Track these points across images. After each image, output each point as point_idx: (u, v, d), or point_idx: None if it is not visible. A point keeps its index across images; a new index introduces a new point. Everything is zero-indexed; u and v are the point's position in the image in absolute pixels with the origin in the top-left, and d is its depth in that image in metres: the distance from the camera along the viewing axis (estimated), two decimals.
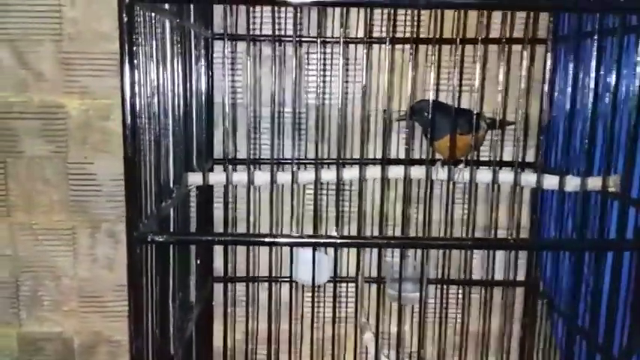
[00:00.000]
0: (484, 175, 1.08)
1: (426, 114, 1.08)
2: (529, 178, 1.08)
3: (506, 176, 1.07)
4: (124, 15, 0.71)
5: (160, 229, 0.84)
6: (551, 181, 1.05)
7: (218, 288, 1.38)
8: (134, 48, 0.73)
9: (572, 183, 1.01)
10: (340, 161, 1.30)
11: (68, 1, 1.31)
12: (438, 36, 1.24)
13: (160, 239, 0.75)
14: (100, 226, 1.40)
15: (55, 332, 1.44)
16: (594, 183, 0.99)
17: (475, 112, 1.01)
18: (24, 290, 1.42)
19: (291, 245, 0.78)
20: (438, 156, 1.17)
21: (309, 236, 0.75)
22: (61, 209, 1.39)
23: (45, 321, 1.44)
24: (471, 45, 1.27)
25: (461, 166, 1.11)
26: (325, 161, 1.31)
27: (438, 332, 1.23)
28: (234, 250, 1.30)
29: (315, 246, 0.75)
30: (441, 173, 1.09)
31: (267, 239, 0.75)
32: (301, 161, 1.32)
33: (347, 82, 1.35)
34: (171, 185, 0.96)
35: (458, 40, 1.07)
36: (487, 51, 1.31)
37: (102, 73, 1.33)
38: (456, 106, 1.11)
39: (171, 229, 0.92)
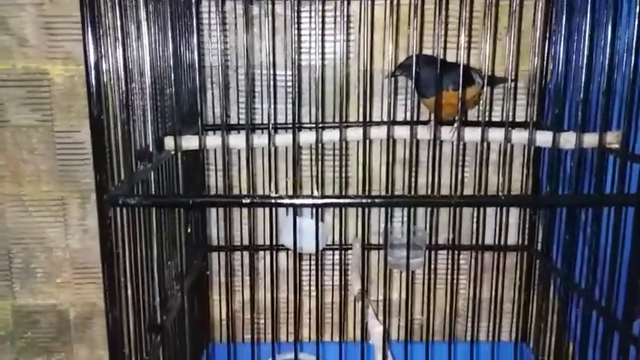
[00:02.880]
0: (476, 134, 1.02)
1: (417, 69, 1.02)
2: (523, 136, 1.02)
3: (497, 135, 1.01)
4: None
5: (137, 193, 0.80)
6: (545, 137, 0.99)
7: (215, 258, 1.36)
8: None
9: (567, 139, 0.95)
10: (328, 124, 1.25)
11: None
12: None
13: (132, 202, 0.71)
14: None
15: (50, 304, 1.42)
16: (592, 139, 0.93)
17: (469, 67, 0.96)
18: (16, 262, 1.40)
19: (270, 206, 0.73)
20: (432, 115, 1.11)
21: (289, 197, 0.71)
22: (49, 179, 1.35)
23: (39, 293, 1.42)
24: None
25: (455, 124, 1.05)
26: (309, 124, 1.27)
27: (427, 298, 1.19)
28: (228, 217, 1.27)
29: (295, 207, 0.71)
30: (442, 133, 1.04)
31: (245, 200, 0.71)
32: (284, 126, 1.27)
33: (336, 41, 1.29)
34: (151, 149, 0.92)
35: None
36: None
37: None
38: (449, 60, 1.05)
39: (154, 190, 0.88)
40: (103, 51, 0.75)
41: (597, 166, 0.83)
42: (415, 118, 1.05)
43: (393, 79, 1.18)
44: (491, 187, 1.11)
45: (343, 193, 0.86)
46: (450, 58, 1.25)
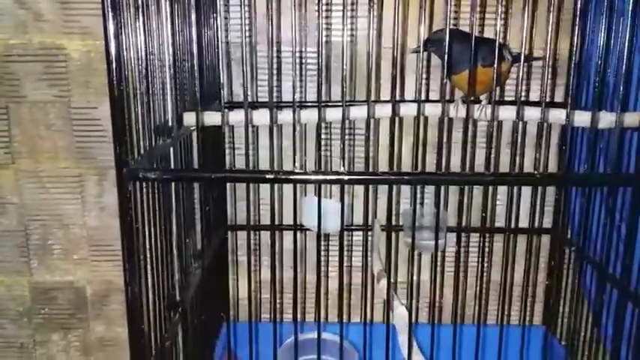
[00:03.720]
0: (508, 113, 0.99)
1: (444, 44, 0.98)
2: (558, 115, 0.99)
3: (532, 113, 0.98)
4: None
5: (157, 168, 0.78)
6: (582, 118, 0.96)
7: (236, 237, 1.35)
8: None
9: (607, 119, 0.92)
10: (356, 102, 1.23)
11: None
12: None
13: (152, 176, 0.69)
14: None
15: (67, 281, 1.42)
16: (631, 118, 0.90)
17: (498, 43, 0.92)
18: (33, 239, 1.39)
19: (295, 182, 0.71)
20: (458, 93, 1.08)
21: (314, 172, 0.69)
22: (66, 156, 1.34)
23: (56, 270, 1.41)
24: None
25: (484, 102, 1.02)
26: (331, 103, 1.24)
27: (455, 281, 1.17)
28: (250, 195, 1.25)
29: (320, 183, 0.69)
30: (460, 110, 1.01)
31: (268, 176, 0.69)
32: (305, 104, 1.25)
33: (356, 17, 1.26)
34: (171, 124, 0.90)
35: None
36: None
37: None
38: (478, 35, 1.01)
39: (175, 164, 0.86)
40: (122, 24, 0.72)
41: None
42: (446, 96, 1.01)
43: (424, 54, 1.15)
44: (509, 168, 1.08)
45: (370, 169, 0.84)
46: (479, 33, 1.21)
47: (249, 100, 1.26)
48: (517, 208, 1.17)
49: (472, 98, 1.00)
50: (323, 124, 1.21)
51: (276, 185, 0.80)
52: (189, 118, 0.98)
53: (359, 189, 1.31)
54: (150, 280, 0.80)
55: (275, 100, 1.25)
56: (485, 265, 1.27)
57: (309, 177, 0.69)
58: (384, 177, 0.69)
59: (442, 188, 1.16)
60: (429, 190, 1.31)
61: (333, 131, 1.29)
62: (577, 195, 1.22)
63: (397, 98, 1.23)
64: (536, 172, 0.67)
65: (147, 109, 0.80)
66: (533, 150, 1.14)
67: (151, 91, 0.80)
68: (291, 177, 0.69)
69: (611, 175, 0.78)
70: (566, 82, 1.24)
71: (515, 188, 1.02)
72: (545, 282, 1.35)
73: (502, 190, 1.26)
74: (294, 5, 0.76)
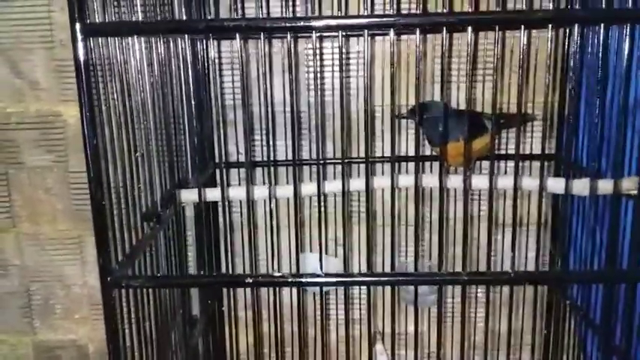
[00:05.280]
0: (499, 181, 1.00)
1: (427, 116, 1.00)
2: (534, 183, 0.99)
3: (507, 182, 0.98)
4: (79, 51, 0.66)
5: (138, 270, 0.80)
6: (558, 184, 0.96)
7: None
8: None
9: (583, 186, 0.92)
10: (347, 160, 1.25)
11: (58, 6, 1.26)
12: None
13: (135, 284, 0.71)
14: None
15: (69, 339, 1.44)
16: (607, 186, 0.89)
17: (481, 114, 0.93)
18: (36, 299, 1.42)
19: (274, 286, 0.72)
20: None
21: (293, 275, 0.70)
22: (65, 218, 1.37)
23: (58, 329, 1.44)
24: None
25: (469, 172, 1.03)
26: (328, 161, 1.26)
27: (452, 332, 1.18)
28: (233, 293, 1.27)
29: (299, 286, 0.70)
30: (450, 181, 1.02)
31: (247, 280, 0.71)
32: (303, 162, 1.27)
33: (348, 77, 1.27)
34: (159, 208, 0.91)
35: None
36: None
37: None
38: (465, 107, 1.02)
39: (161, 260, 0.88)
40: (101, 125, 0.74)
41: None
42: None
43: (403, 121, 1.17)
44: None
45: (347, 267, 0.85)
46: (462, 99, 1.22)
47: (244, 159, 1.28)
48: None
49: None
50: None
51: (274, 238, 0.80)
52: (186, 195, 1.00)
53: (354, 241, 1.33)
54: None
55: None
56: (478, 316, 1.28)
57: (288, 279, 0.70)
58: (360, 279, 0.70)
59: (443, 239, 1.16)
60: (425, 243, 1.32)
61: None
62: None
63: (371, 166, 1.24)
64: (510, 270, 0.68)
65: (132, 200, 0.82)
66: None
67: (136, 185, 0.82)
68: (270, 280, 0.70)
69: (585, 272, 0.78)
70: (556, 143, 1.24)
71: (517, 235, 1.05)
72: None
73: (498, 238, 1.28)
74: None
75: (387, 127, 1.25)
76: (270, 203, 0.80)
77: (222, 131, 1.30)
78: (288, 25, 0.67)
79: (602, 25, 0.66)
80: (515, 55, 1.20)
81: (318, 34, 0.67)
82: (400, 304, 1.35)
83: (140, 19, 0.89)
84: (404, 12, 1.21)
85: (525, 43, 0.64)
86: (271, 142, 1.21)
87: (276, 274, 0.70)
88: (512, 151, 1.27)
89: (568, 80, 1.15)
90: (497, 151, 1.28)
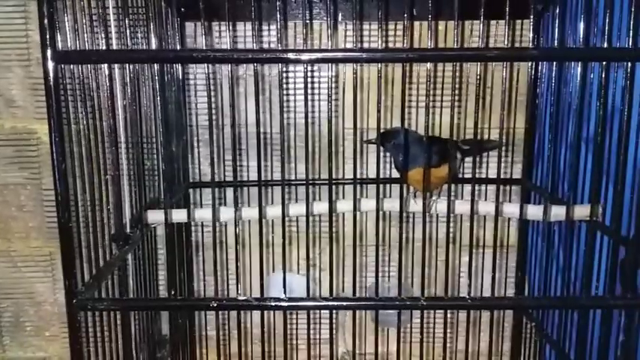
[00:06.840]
0: (461, 207, 1.03)
1: (394, 142, 1.03)
2: (511, 210, 1.03)
3: (487, 208, 1.02)
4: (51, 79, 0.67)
5: (105, 292, 0.81)
6: (534, 211, 1.00)
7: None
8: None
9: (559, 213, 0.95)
10: (310, 182, 1.27)
11: (35, 25, 1.27)
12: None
13: (101, 306, 0.72)
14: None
15: (39, 357, 1.44)
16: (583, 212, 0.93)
17: (448, 141, 0.96)
18: (6, 316, 1.41)
19: (238, 309, 0.74)
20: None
21: (257, 299, 0.72)
22: (37, 235, 1.37)
23: (29, 346, 1.43)
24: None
25: (434, 197, 1.06)
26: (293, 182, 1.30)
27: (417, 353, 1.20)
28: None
29: (263, 309, 0.72)
30: (413, 205, 1.04)
31: (212, 303, 0.72)
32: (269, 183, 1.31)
33: (319, 100, 1.30)
34: (128, 229, 0.93)
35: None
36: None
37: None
38: (430, 133, 1.05)
39: (130, 282, 0.89)
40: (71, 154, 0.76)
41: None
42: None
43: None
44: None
45: (310, 292, 0.87)
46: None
47: (216, 179, 1.30)
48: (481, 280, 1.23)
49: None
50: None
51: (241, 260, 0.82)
52: (154, 216, 1.01)
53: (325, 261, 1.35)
54: None
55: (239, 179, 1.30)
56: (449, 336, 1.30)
57: (252, 303, 0.72)
58: (323, 303, 0.72)
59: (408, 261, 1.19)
60: (394, 263, 1.34)
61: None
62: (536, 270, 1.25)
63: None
64: (468, 297, 0.70)
65: (101, 221, 0.84)
66: None
67: (105, 208, 0.84)
68: (234, 304, 0.72)
69: (539, 299, 0.81)
70: (522, 168, 1.28)
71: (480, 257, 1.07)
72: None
73: (465, 260, 1.31)
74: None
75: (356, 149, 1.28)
76: (235, 226, 0.81)
77: (196, 151, 1.32)
78: (255, 57, 0.69)
79: (554, 62, 0.70)
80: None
81: (283, 67, 0.69)
82: (367, 324, 1.37)
83: (114, 44, 0.92)
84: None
85: (481, 76, 0.68)
86: (238, 163, 1.23)
87: (241, 297, 0.72)
88: (488, 175, 1.30)
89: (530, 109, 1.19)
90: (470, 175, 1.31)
